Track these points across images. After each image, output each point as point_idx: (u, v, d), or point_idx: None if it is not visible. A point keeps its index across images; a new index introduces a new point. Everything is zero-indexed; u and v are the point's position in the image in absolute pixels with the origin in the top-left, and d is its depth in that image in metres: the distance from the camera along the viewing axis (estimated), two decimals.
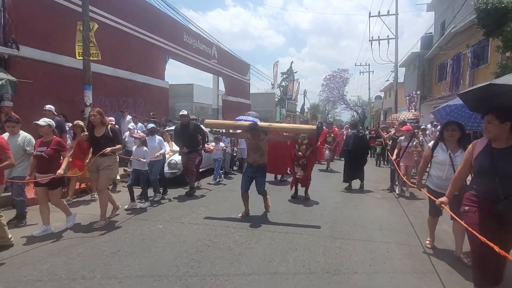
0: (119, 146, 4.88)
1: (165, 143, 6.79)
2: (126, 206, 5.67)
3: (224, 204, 6.04)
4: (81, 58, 8.70)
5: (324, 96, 43.86)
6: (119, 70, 11.64)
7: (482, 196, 2.52)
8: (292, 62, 51.95)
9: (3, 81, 6.87)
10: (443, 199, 2.93)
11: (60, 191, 4.48)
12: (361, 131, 8.46)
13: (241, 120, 9.35)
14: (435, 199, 3.05)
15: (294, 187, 6.66)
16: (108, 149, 4.66)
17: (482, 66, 13.28)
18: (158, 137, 6.45)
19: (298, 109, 51.86)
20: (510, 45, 5.76)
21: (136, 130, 7.68)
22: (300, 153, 6.50)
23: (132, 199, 5.76)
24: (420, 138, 8.18)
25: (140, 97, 13.13)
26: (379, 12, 23.41)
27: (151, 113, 11.69)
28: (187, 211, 5.54)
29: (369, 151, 10.30)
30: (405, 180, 5.72)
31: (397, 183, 7.29)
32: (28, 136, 4.77)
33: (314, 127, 5.63)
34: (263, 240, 4.09)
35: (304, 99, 53.79)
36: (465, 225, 2.54)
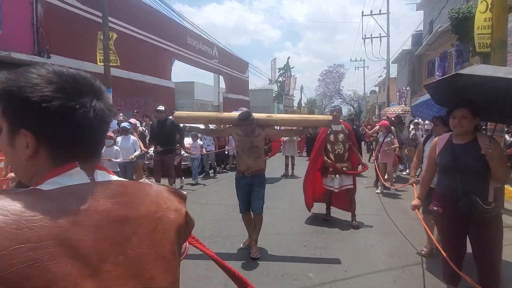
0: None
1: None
2: None
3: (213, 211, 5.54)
4: (102, 64, 9.76)
5: (320, 91, 45.04)
6: (131, 73, 12.69)
7: (447, 194, 2.50)
8: (288, 57, 52.69)
9: None
10: (415, 202, 2.84)
11: None
12: (355, 125, 9.03)
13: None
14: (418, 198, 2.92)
15: (310, 204, 5.13)
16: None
17: (465, 64, 14.41)
18: (132, 137, 6.13)
19: (295, 104, 52.93)
20: (479, 51, 6.77)
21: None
22: (332, 154, 4.80)
23: None
24: (412, 132, 8.14)
25: (150, 97, 14.19)
26: (371, 11, 24.40)
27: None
28: None
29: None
30: (380, 178, 5.91)
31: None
32: None
33: (330, 117, 4.29)
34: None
35: (301, 94, 54.84)
36: (428, 230, 3.01)
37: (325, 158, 4.79)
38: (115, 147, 5.61)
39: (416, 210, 2.87)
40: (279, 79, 44.24)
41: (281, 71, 45.69)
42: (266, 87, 42.78)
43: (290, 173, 9.03)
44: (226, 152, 9.82)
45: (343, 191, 4.84)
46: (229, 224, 4.92)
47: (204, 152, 8.41)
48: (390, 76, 24.49)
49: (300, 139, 10.86)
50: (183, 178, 7.68)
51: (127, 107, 12.47)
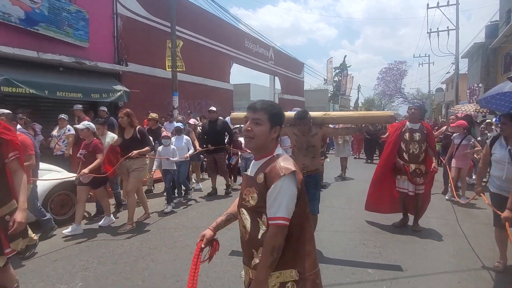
0: (147, 148, 4.72)
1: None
2: (166, 210, 5.52)
3: None
4: (170, 69, 10.68)
5: (379, 89, 43.02)
6: (194, 76, 13.59)
7: None
8: (345, 56, 51.22)
9: (120, 92, 9.02)
10: (507, 213, 2.51)
11: (103, 190, 4.76)
12: None
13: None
14: (499, 212, 2.66)
15: (371, 207, 4.93)
16: (135, 152, 4.56)
17: None
18: (185, 137, 6.15)
19: (352, 104, 51.26)
20: None
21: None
22: (406, 154, 4.47)
23: (169, 201, 5.66)
24: (488, 134, 7.30)
25: (210, 99, 15.02)
26: (437, 3, 22.68)
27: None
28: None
29: None
30: (452, 186, 5.37)
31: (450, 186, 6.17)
32: (115, 136, 5.04)
33: (391, 113, 4.06)
34: None
35: (358, 93, 52.95)
36: None
37: (397, 158, 4.51)
38: (172, 146, 5.68)
39: (507, 223, 2.57)
40: (334, 79, 43.28)
41: (337, 71, 44.65)
42: (321, 87, 42.10)
43: (341, 175, 8.59)
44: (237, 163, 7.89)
45: (415, 194, 4.52)
46: None
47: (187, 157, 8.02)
48: (460, 72, 22.52)
49: (352, 139, 10.40)
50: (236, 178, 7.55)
51: (190, 108, 13.39)
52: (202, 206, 6.03)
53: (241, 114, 4.39)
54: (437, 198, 6.50)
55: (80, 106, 7.09)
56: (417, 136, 4.43)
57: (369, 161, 11.60)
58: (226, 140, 6.89)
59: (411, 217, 4.75)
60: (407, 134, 4.47)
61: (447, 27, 22.43)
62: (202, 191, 7.08)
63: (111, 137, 5.13)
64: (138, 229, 4.66)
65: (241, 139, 7.13)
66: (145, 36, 11.05)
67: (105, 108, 7.59)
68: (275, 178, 1.42)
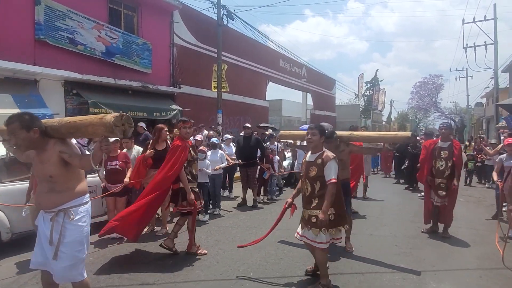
0: None
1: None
2: (204, 218, 5.84)
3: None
4: (215, 90, 11.93)
5: (413, 104, 42.19)
6: (235, 95, 14.83)
7: None
8: (377, 70, 51.09)
9: (175, 110, 10.35)
10: None
11: (125, 200, 4.90)
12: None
13: (305, 130, 9.79)
14: None
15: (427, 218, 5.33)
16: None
17: None
18: (220, 151, 6.53)
19: (384, 118, 50.66)
20: None
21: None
22: (434, 169, 5.04)
23: (206, 211, 5.98)
24: None
25: (248, 115, 16.16)
26: (474, 18, 22.54)
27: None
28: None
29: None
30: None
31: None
32: (140, 149, 5.34)
33: (408, 134, 4.44)
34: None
35: (390, 108, 52.28)
36: None
37: (425, 172, 5.13)
38: (207, 161, 5.99)
39: None
40: (366, 93, 43.16)
41: (369, 85, 44.54)
42: (352, 102, 42.15)
43: (362, 195, 8.07)
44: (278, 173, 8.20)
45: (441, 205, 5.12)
46: None
47: (282, 171, 8.36)
48: (500, 87, 22.01)
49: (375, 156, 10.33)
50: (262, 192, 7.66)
51: (231, 124, 14.58)
52: (236, 216, 6.36)
53: (289, 131, 5.40)
54: (468, 208, 6.95)
55: (144, 123, 8.08)
56: (443, 153, 5.00)
57: (400, 181, 10.29)
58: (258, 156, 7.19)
59: (441, 226, 5.29)
60: (436, 151, 5.06)
61: (485, 41, 22.01)
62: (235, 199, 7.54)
63: (136, 150, 5.35)
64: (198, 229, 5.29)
65: (276, 157, 7.71)
66: (195, 61, 12.47)
67: (143, 124, 7.95)
68: (328, 160, 3.20)
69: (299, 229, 3.40)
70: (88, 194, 2.52)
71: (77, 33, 8.21)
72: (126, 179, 4.70)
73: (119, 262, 4.04)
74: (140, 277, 3.63)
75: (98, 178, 4.87)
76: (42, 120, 2.43)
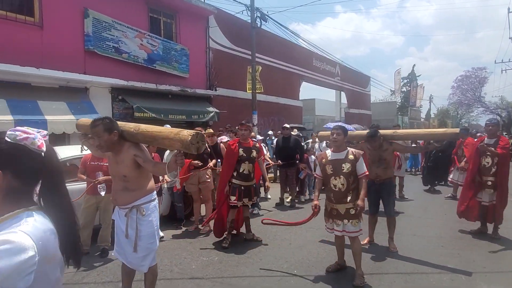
0: (214, 161, 5.55)
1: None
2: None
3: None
4: (250, 91, 12.12)
5: (455, 99, 39.77)
6: (268, 96, 14.94)
7: None
8: (414, 65, 48.75)
9: (212, 113, 10.68)
10: None
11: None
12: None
13: (329, 127, 9.54)
14: None
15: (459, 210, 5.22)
16: (211, 163, 5.38)
17: None
18: None
19: (423, 115, 48.36)
20: None
21: None
22: (480, 166, 4.93)
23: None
24: None
25: (282, 116, 16.22)
26: None
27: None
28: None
29: None
30: None
31: None
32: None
33: (457, 130, 4.32)
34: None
35: (430, 104, 49.82)
36: None
37: (473, 171, 5.00)
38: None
39: None
40: (403, 89, 41.45)
41: (405, 81, 42.70)
42: (388, 99, 40.63)
43: (398, 195, 7.60)
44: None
45: (489, 204, 4.90)
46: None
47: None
48: None
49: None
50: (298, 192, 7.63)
51: (265, 125, 14.73)
52: (276, 216, 6.36)
53: (328, 132, 5.34)
54: None
55: (169, 126, 8.37)
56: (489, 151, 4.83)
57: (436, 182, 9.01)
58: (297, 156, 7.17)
59: (490, 227, 5.06)
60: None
61: None
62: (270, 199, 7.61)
63: (168, 151, 5.50)
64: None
65: (312, 157, 7.63)
66: (229, 63, 12.77)
67: (169, 126, 8.72)
68: (360, 156, 3.54)
69: (335, 226, 3.56)
70: (155, 192, 2.78)
71: (121, 42, 8.76)
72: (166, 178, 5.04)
73: (168, 257, 4.30)
74: (189, 271, 3.86)
75: None
76: (120, 123, 2.71)
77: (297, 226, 5.53)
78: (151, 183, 2.71)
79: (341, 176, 3.46)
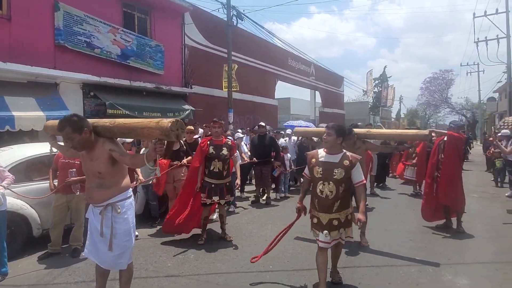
0: (190, 157, 5.28)
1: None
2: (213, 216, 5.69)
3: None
4: (226, 90, 12.10)
5: (423, 100, 41.58)
6: (244, 94, 14.98)
7: None
8: (385, 67, 50.75)
9: (188, 110, 10.55)
10: None
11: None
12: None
13: (292, 126, 9.88)
14: None
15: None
16: (184, 161, 5.19)
17: None
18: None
19: (394, 115, 50.17)
20: None
21: None
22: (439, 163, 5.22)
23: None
24: None
25: (257, 114, 16.30)
26: (485, 12, 22.23)
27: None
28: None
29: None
30: None
31: None
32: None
33: (426, 132, 4.62)
34: None
35: (400, 104, 51.76)
36: None
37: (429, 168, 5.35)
38: None
39: None
40: (374, 90, 42.72)
41: (377, 81, 44.06)
42: (360, 99, 41.79)
43: (370, 191, 7.97)
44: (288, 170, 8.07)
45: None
46: None
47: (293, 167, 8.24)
48: None
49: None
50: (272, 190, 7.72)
51: (241, 123, 14.74)
52: (251, 213, 6.50)
53: (303, 128, 5.54)
54: (482, 206, 6.98)
55: None
56: (442, 146, 5.13)
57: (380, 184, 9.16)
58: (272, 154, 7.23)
59: (454, 222, 5.31)
60: (441, 146, 5.16)
61: (497, 35, 21.57)
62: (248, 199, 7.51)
63: (144, 149, 5.49)
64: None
65: (287, 155, 7.76)
66: (205, 61, 12.66)
67: None
68: (357, 161, 3.06)
69: (320, 237, 3.09)
70: (131, 189, 2.71)
71: (94, 37, 8.46)
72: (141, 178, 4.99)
73: (143, 256, 4.23)
74: (164, 269, 3.82)
75: None
76: (94, 119, 2.62)
77: (272, 223, 5.65)
78: (127, 180, 2.64)
79: (331, 182, 3.01)
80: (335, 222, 3.04)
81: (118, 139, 4.34)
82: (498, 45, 21.83)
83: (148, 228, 5.38)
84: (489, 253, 4.34)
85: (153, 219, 5.59)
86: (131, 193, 2.69)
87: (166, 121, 2.25)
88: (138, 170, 5.09)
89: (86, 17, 8.32)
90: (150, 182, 5.28)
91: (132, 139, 4.90)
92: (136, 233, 4.92)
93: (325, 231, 3.02)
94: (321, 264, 3.13)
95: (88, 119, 2.62)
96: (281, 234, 3.58)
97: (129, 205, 2.59)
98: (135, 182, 4.89)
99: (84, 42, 8.33)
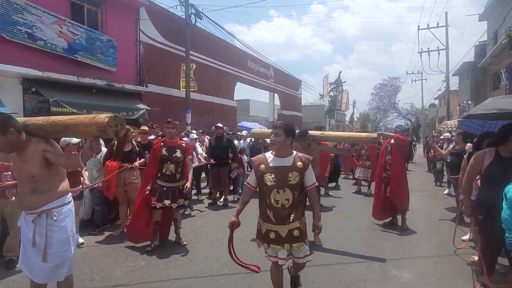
0: (142, 159, 5.12)
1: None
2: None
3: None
4: (184, 89, 11.80)
5: (374, 105, 44.28)
6: (203, 95, 14.73)
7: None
8: (340, 72, 53.08)
9: (143, 110, 10.10)
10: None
11: (79, 203, 4.66)
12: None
13: (245, 128, 10.23)
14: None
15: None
16: (136, 163, 4.99)
17: None
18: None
19: (347, 118, 52.55)
20: None
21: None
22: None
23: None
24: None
25: (216, 115, 16.13)
26: (428, 25, 24.12)
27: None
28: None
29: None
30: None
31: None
32: (105, 149, 5.15)
33: (375, 135, 4.87)
34: None
35: (353, 109, 54.33)
36: None
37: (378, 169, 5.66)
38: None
39: None
40: (330, 94, 44.46)
41: (333, 86, 45.96)
42: (317, 102, 43.25)
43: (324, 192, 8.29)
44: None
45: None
46: None
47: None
48: (452, 89, 23.74)
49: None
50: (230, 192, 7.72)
51: (199, 124, 14.47)
52: (207, 216, 6.43)
53: (260, 130, 5.48)
54: (424, 203, 7.56)
55: None
56: (389, 149, 5.46)
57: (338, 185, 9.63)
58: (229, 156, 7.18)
59: (399, 219, 5.67)
60: (388, 148, 5.50)
61: (437, 47, 23.59)
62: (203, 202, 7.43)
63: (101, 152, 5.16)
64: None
65: (244, 157, 7.77)
66: (162, 60, 12.24)
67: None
68: (309, 162, 2.76)
69: (279, 254, 2.72)
70: (70, 194, 2.48)
71: (36, 28, 7.75)
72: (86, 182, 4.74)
73: (89, 265, 3.95)
74: (112, 279, 3.59)
75: None
76: (26, 118, 2.37)
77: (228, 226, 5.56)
78: (64, 184, 2.42)
79: (286, 189, 2.64)
80: (296, 232, 2.67)
81: (62, 139, 4.08)
82: (439, 56, 23.87)
83: (96, 235, 5.05)
84: (429, 248, 4.69)
85: (95, 225, 5.24)
86: (70, 198, 2.48)
87: (103, 116, 2.10)
88: (84, 174, 4.77)
89: (27, 6, 7.60)
90: (96, 186, 4.95)
91: (79, 140, 4.54)
92: (82, 240, 4.62)
93: (286, 244, 2.68)
94: (276, 282, 2.93)
95: (25, 118, 2.37)
96: (233, 252, 3.05)
97: (67, 212, 2.37)
98: (80, 186, 4.56)
99: (25, 33, 7.61)
